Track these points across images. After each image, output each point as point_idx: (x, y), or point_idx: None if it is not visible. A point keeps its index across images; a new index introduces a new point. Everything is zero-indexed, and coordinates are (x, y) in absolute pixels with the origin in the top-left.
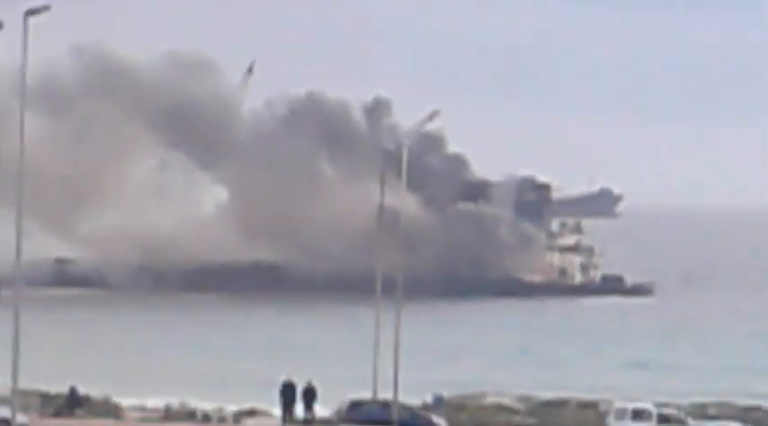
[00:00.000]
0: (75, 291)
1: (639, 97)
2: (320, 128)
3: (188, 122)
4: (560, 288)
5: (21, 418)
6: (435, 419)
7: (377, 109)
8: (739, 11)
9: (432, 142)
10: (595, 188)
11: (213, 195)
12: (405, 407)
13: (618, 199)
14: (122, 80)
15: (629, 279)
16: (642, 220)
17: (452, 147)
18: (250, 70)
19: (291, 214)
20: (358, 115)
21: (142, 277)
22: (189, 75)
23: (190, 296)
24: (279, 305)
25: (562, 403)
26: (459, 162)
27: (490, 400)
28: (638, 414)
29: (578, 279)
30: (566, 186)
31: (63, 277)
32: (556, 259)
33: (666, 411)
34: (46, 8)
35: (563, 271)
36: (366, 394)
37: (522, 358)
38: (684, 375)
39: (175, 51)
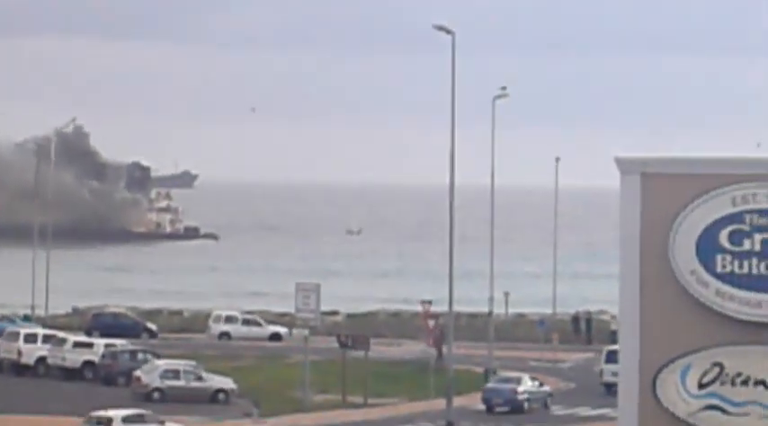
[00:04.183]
0: None
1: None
2: None
3: None
4: (157, 235)
5: None
6: (149, 324)
7: None
8: None
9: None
10: (180, 169)
11: None
12: (127, 316)
13: (195, 177)
14: None
15: (203, 229)
16: (213, 190)
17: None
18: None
19: None
20: None
21: None
22: None
23: None
24: None
25: (178, 312)
26: (93, 152)
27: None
28: (229, 319)
29: (168, 229)
30: (160, 168)
31: None
32: (154, 216)
33: (248, 316)
34: None
35: (158, 224)
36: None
37: (136, 284)
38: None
39: None
